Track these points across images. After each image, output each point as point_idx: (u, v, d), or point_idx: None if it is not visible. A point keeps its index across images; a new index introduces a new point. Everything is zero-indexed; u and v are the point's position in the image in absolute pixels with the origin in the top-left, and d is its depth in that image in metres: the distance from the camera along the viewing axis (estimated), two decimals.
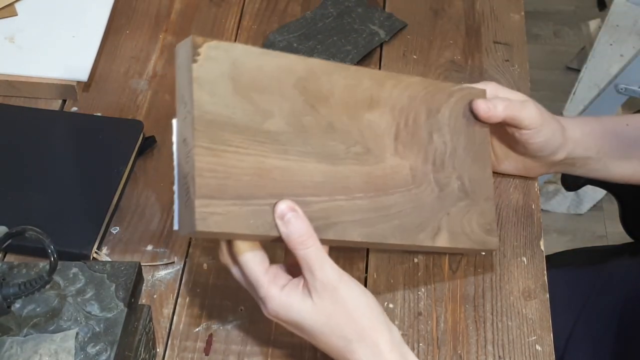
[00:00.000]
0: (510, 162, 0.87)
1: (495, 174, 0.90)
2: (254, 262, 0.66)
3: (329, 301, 0.65)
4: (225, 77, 0.65)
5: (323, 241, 0.67)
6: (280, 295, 0.66)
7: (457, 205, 0.77)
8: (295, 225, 0.65)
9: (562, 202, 1.93)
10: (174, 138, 0.67)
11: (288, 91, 0.68)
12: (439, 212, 0.76)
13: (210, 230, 0.63)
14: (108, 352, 0.65)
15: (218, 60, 0.65)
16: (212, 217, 0.63)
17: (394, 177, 0.73)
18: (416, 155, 0.75)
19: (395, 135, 0.74)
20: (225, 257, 0.69)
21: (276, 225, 0.65)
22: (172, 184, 0.89)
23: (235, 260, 0.67)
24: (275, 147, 0.67)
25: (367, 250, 0.85)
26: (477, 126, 0.81)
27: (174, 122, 0.67)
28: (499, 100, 0.80)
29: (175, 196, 0.66)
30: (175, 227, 0.66)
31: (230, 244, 0.67)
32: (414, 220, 0.74)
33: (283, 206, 0.65)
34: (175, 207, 0.66)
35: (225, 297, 0.81)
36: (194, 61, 0.64)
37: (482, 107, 0.79)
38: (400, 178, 0.74)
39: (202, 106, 0.64)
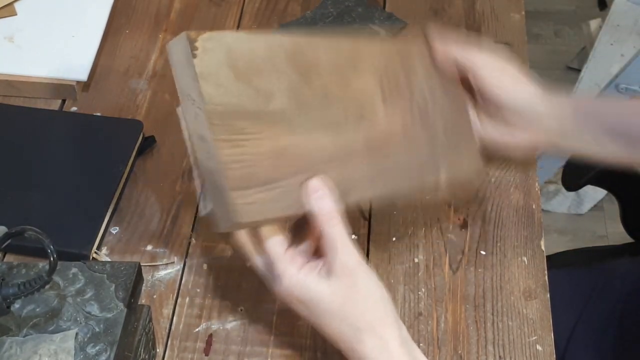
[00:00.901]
0: (496, 134, 0.83)
1: (496, 174, 0.90)
2: (275, 240, 0.67)
3: (346, 285, 0.65)
4: (225, 65, 0.65)
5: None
6: (297, 274, 0.66)
7: (446, 147, 0.79)
8: (326, 202, 0.66)
9: (563, 202, 1.93)
10: (183, 126, 0.67)
11: (282, 68, 0.68)
12: (434, 156, 0.77)
13: (248, 221, 0.64)
14: (108, 353, 0.64)
15: (214, 50, 0.65)
16: (247, 207, 0.64)
17: (390, 136, 0.75)
18: (403, 112, 0.76)
19: (382, 96, 0.75)
20: (241, 236, 0.68)
21: (306, 202, 0.66)
22: (173, 182, 0.90)
23: (255, 237, 0.68)
24: (284, 126, 0.67)
25: (367, 250, 0.85)
26: (446, 76, 0.81)
27: (180, 111, 0.67)
28: (452, 40, 0.80)
29: (199, 182, 0.67)
30: (203, 212, 0.67)
31: None
32: (415, 169, 0.76)
33: (315, 183, 0.66)
34: (201, 192, 0.66)
35: (225, 297, 0.81)
36: (194, 56, 0.63)
37: (438, 47, 0.79)
38: (396, 135, 0.75)
39: (212, 100, 0.64)
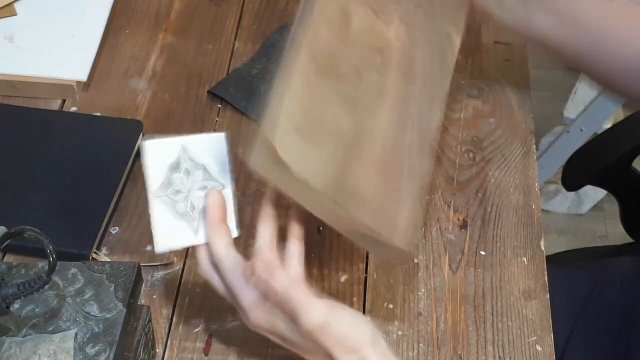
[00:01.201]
0: None
1: (495, 174, 0.90)
2: (236, 270, 0.66)
3: (316, 339, 0.64)
4: (304, 146, 0.64)
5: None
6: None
7: (441, 10, 0.78)
8: (274, 282, 0.64)
9: (563, 202, 1.93)
10: None
11: (323, 90, 0.67)
12: (436, 23, 0.77)
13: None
14: (107, 353, 0.64)
15: (290, 144, 0.63)
16: (404, 232, 0.68)
17: (404, 43, 0.74)
18: (393, 6, 0.75)
19: (374, 13, 0.74)
20: (206, 269, 0.68)
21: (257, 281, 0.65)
22: None
23: (218, 268, 0.67)
24: (365, 139, 0.67)
25: (367, 250, 0.85)
26: None
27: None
28: None
29: None
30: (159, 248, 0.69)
31: (212, 253, 0.67)
32: (436, 51, 0.76)
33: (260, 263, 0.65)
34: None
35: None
36: (289, 170, 0.62)
37: None
38: (405, 37, 0.74)
39: (325, 186, 0.63)
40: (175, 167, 0.68)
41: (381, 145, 0.68)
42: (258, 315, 0.66)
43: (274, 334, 0.67)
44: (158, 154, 0.68)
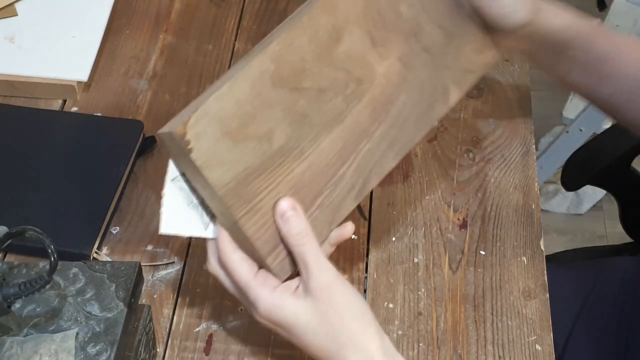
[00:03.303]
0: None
1: (495, 174, 0.91)
2: (242, 268, 0.66)
3: (323, 301, 0.65)
4: (220, 138, 0.62)
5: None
6: (271, 295, 0.65)
7: (448, 51, 0.73)
8: (293, 223, 0.65)
9: (562, 202, 1.93)
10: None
11: (271, 96, 0.65)
12: (439, 74, 0.73)
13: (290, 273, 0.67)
14: (108, 352, 0.65)
15: (205, 129, 0.62)
16: (282, 264, 0.66)
17: (391, 82, 0.70)
18: (397, 42, 0.71)
19: (371, 42, 0.70)
20: (213, 266, 0.68)
21: (276, 224, 0.65)
22: None
23: (225, 267, 0.67)
24: (293, 155, 0.66)
25: (367, 250, 0.85)
26: None
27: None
28: None
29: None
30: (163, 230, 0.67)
31: (220, 252, 0.67)
32: (424, 101, 0.72)
33: (284, 204, 0.65)
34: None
35: (225, 297, 0.81)
36: (189, 151, 0.61)
37: None
38: (395, 77, 0.71)
39: (222, 183, 0.63)
40: None
41: (306, 168, 0.66)
42: (267, 304, 0.65)
43: (281, 324, 0.66)
44: None
